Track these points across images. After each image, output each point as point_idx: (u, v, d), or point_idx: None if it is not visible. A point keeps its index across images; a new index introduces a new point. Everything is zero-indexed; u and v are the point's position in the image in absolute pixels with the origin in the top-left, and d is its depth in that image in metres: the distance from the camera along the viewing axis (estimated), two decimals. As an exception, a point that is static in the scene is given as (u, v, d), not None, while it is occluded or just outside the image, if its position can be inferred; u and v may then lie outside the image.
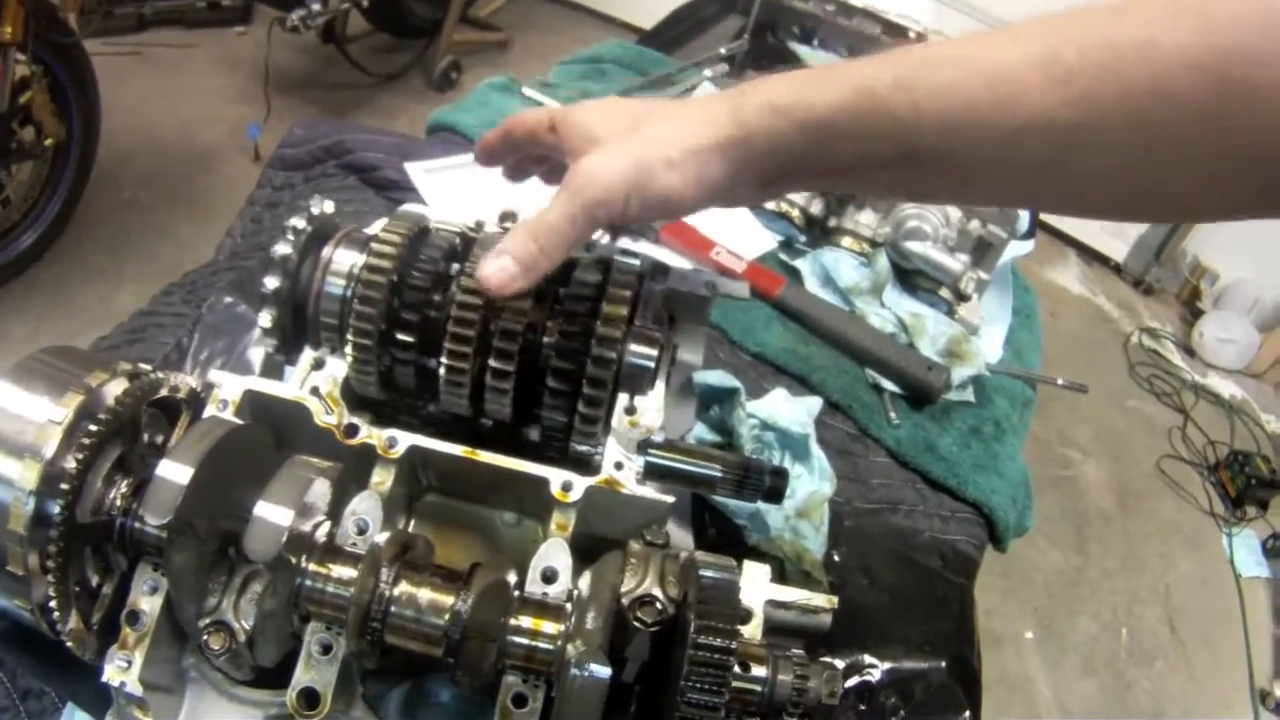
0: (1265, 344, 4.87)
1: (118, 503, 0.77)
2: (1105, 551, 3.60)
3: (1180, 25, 0.58)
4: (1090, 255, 5.37)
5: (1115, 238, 5.28)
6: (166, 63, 4.36)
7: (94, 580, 0.79)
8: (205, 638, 0.75)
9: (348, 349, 0.82)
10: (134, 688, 0.75)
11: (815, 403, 1.36)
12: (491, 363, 0.78)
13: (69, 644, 0.76)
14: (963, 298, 1.71)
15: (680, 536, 1.05)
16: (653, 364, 0.81)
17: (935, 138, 0.66)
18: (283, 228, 0.85)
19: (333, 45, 4.19)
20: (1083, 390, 1.97)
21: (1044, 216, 5.14)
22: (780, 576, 1.12)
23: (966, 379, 1.55)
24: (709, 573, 0.67)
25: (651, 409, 0.82)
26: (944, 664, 1.15)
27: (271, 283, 0.84)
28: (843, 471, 1.34)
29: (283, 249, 0.84)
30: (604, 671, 0.62)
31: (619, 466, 0.81)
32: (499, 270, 0.74)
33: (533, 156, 0.92)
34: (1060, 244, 5.37)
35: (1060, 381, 1.89)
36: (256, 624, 0.74)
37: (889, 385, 1.51)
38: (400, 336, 0.81)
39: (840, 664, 1.08)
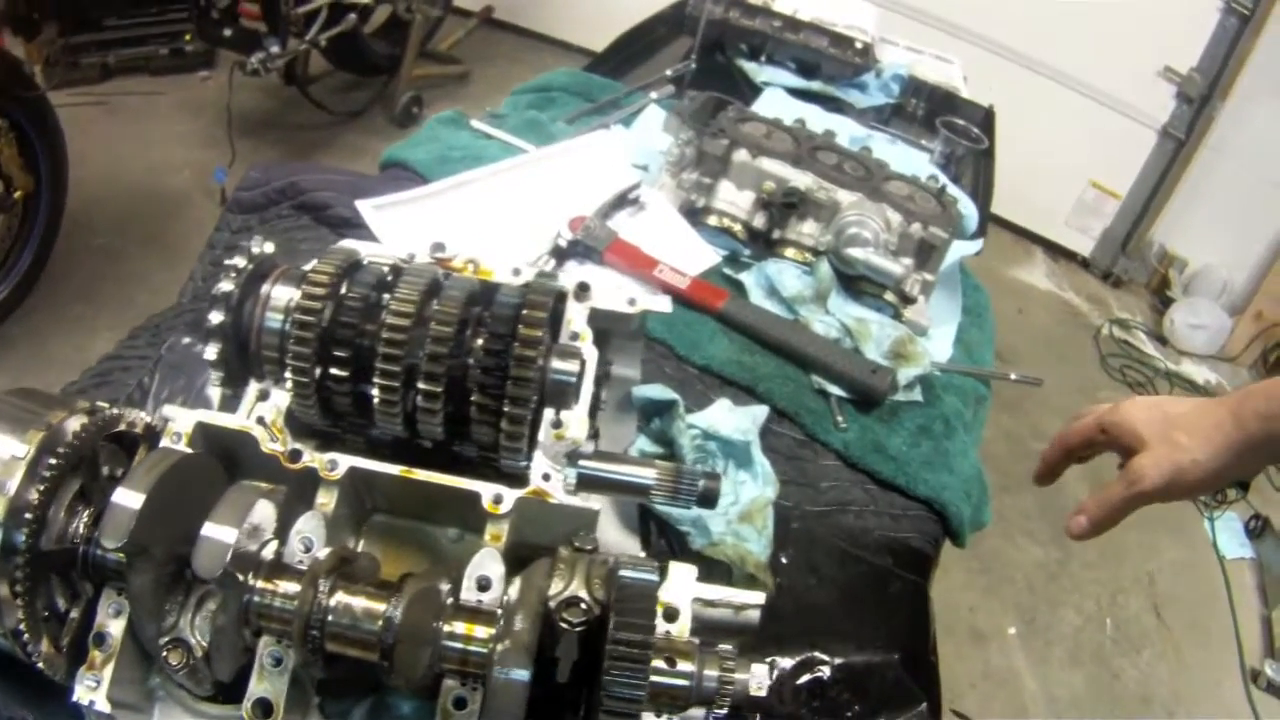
0: (1237, 327, 4.96)
1: (80, 531, 0.82)
2: (1085, 544, 3.60)
3: None
4: (1057, 251, 5.44)
5: (1081, 233, 5.36)
6: (133, 110, 4.39)
7: (62, 606, 0.84)
8: (165, 654, 0.80)
9: (287, 379, 0.87)
10: (103, 705, 0.80)
11: (761, 411, 1.40)
12: (420, 386, 0.83)
13: (41, 666, 0.81)
14: (908, 300, 1.76)
15: (628, 545, 1.10)
16: (574, 379, 0.85)
17: None
18: (224, 266, 0.90)
19: (295, 86, 4.24)
20: (1037, 384, 2.01)
21: (1006, 213, 5.25)
22: (727, 580, 1.15)
23: (913, 379, 1.59)
24: (628, 573, 0.71)
25: (576, 422, 0.87)
26: (896, 657, 1.19)
27: (215, 318, 0.90)
28: (791, 476, 1.38)
29: (225, 285, 0.90)
30: (523, 672, 0.66)
31: (546, 478, 0.85)
32: (1075, 523, 1.14)
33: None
34: (1026, 242, 5.44)
35: (1013, 376, 1.93)
36: (211, 640, 0.79)
37: (835, 390, 1.54)
38: (335, 366, 0.86)
39: (789, 661, 1.12)
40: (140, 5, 3.50)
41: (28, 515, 0.77)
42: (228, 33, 3.72)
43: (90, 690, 0.80)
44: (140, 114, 4.41)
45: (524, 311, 0.82)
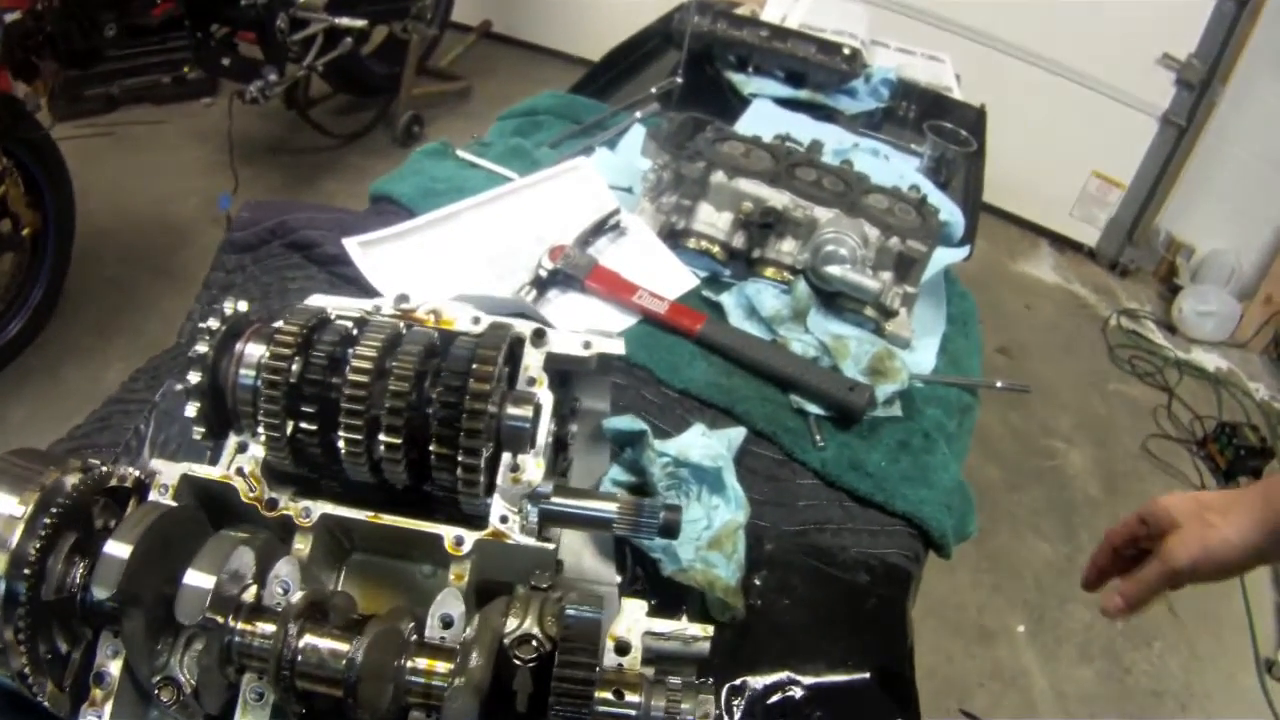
0: (1247, 313, 4.95)
1: (78, 581, 0.89)
2: (1095, 538, 3.56)
3: None
4: (1063, 243, 5.45)
5: (1086, 224, 5.37)
6: (138, 140, 4.47)
7: (63, 649, 0.91)
8: (157, 692, 0.87)
9: (260, 432, 0.92)
10: None
11: (738, 434, 1.44)
12: (381, 436, 0.87)
13: (47, 704, 0.88)
14: (889, 314, 1.79)
15: (605, 573, 1.14)
16: (528, 425, 0.90)
17: None
18: (199, 329, 0.96)
19: (296, 110, 4.31)
20: (1025, 391, 2.04)
21: (1011, 207, 5.27)
22: (702, 603, 1.20)
23: (892, 394, 1.62)
24: (572, 611, 0.76)
25: (532, 465, 0.91)
26: (869, 675, 1.21)
27: (194, 378, 0.95)
28: (769, 496, 1.42)
29: (200, 348, 0.95)
30: (470, 708, 0.71)
31: (504, 520, 0.90)
32: (1113, 604, 1.18)
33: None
34: (1032, 235, 5.45)
35: (999, 384, 1.95)
36: (198, 678, 0.86)
37: (814, 409, 1.57)
38: (304, 418, 0.91)
39: (761, 682, 1.16)
40: (140, 36, 3.55)
41: (26, 570, 0.84)
42: (226, 62, 3.77)
43: (92, 725, 0.87)
44: (146, 143, 4.50)
45: (473, 366, 0.87)
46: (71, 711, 0.89)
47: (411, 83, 4.66)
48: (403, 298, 1.00)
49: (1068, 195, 5.33)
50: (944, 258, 1.96)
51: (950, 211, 2.14)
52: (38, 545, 0.85)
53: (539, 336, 0.97)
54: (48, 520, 0.86)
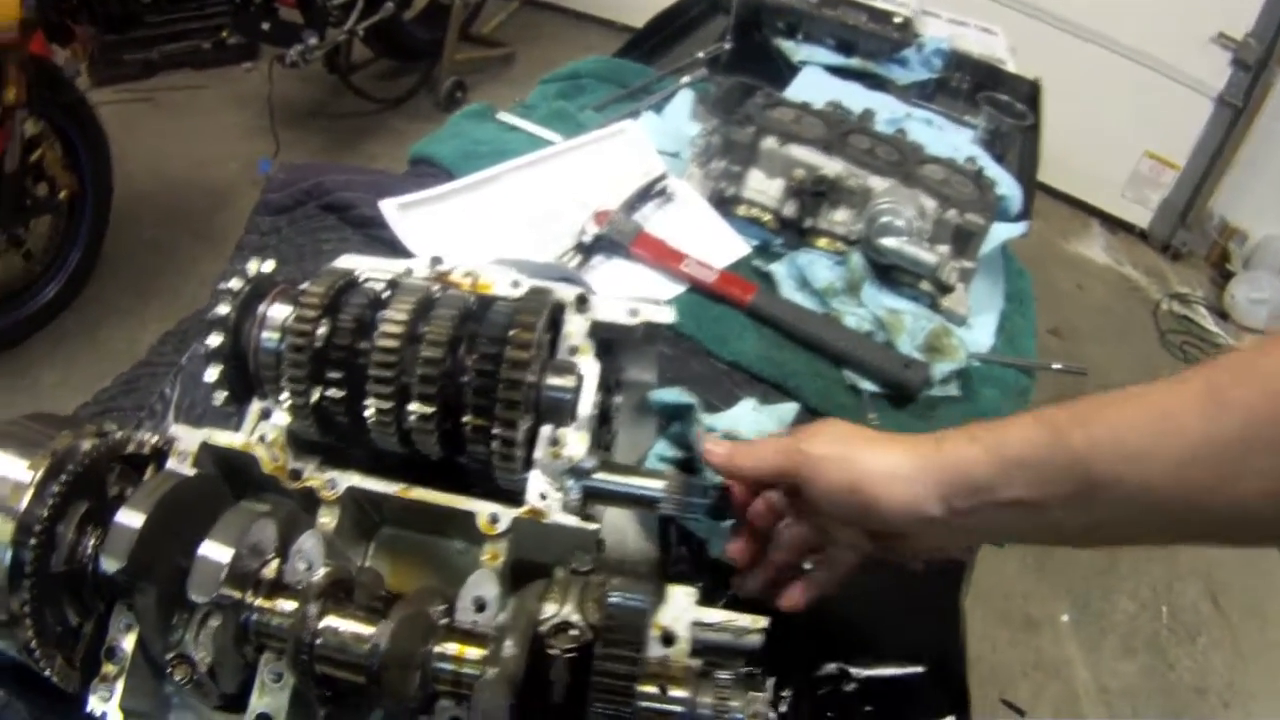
0: (1301, 301, 4.79)
1: (89, 551, 0.85)
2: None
3: None
4: (1114, 224, 5.32)
5: (1138, 204, 5.24)
6: (178, 105, 4.46)
7: (74, 621, 0.87)
8: (170, 670, 0.81)
9: (284, 398, 0.86)
10: (114, 715, 0.83)
11: (789, 409, 1.36)
12: (413, 407, 0.82)
13: (55, 679, 0.84)
14: (946, 289, 1.71)
15: (648, 552, 1.08)
16: (569, 396, 0.84)
17: (1108, 468, 0.73)
18: (219, 291, 0.90)
19: (338, 75, 4.27)
20: (1081, 373, 1.94)
21: (1062, 186, 5.13)
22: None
23: (949, 373, 1.54)
24: (616, 599, 0.70)
25: (574, 439, 0.85)
26: (923, 669, 1.14)
27: (214, 340, 0.90)
28: (820, 476, 1.34)
29: (222, 309, 0.90)
30: (502, 699, 0.65)
31: (543, 497, 0.84)
32: (716, 448, 0.93)
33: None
34: (1083, 215, 5.32)
35: (1056, 366, 1.87)
36: (215, 656, 0.80)
37: (868, 385, 1.50)
38: (330, 384, 0.85)
39: (809, 675, 1.10)
40: (178, 1, 3.53)
41: (33, 539, 0.80)
42: (266, 26, 3.76)
43: (103, 701, 0.83)
44: (186, 108, 4.48)
45: (511, 333, 0.80)
46: (81, 687, 0.85)
47: (454, 48, 4.61)
48: (437, 259, 0.94)
49: (1120, 175, 5.19)
50: (1002, 233, 1.87)
51: (1008, 185, 2.05)
52: (47, 512, 0.81)
53: (583, 302, 0.90)
54: (58, 487, 0.82)
